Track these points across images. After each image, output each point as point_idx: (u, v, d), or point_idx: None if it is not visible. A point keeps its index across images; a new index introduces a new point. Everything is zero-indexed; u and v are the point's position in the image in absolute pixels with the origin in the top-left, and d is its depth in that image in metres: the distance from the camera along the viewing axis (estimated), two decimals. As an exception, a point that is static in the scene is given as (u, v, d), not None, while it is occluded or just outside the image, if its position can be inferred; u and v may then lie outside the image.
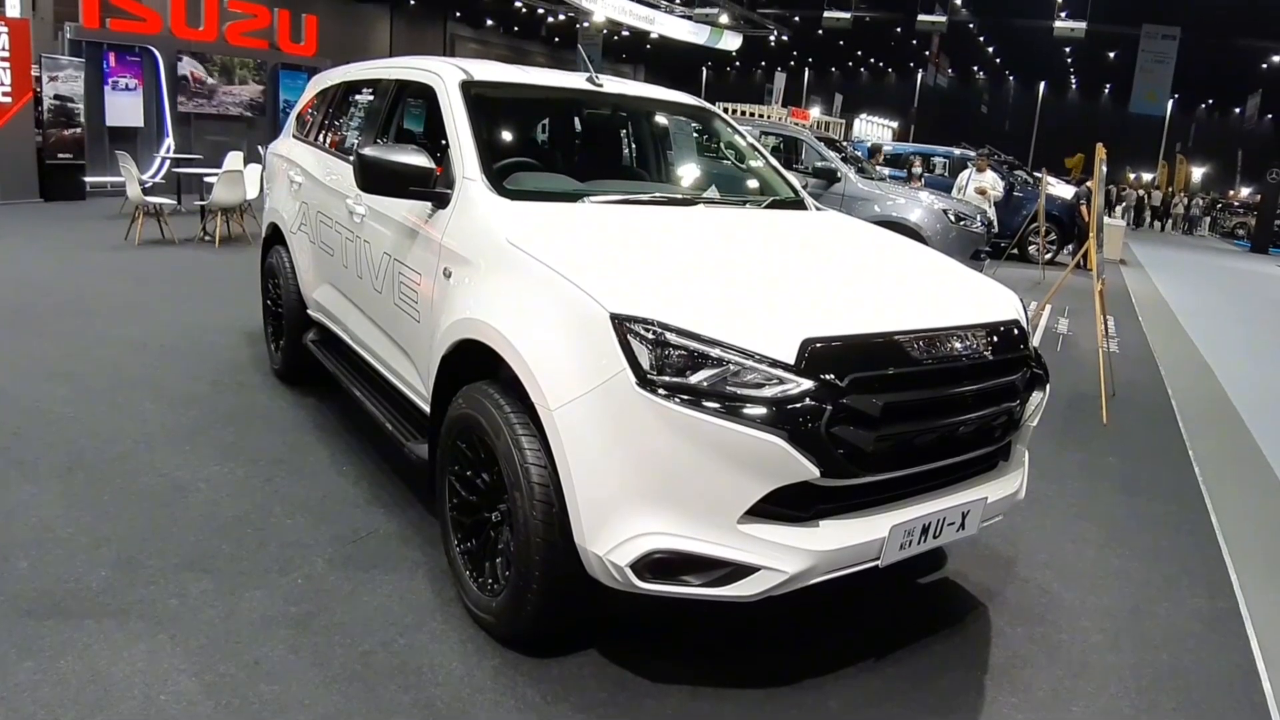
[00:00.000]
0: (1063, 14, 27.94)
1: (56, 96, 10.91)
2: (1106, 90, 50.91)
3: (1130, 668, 2.90)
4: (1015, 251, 13.97)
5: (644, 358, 2.17)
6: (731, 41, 34.12)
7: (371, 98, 4.11)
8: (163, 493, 3.45)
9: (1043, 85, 49.12)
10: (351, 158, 3.84)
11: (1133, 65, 27.46)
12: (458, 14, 41.85)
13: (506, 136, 3.50)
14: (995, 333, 2.64)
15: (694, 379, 2.16)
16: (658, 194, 3.32)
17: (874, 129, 37.93)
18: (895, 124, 43.23)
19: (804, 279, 2.64)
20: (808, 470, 2.18)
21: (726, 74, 53.76)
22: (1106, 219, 18.40)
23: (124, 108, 11.85)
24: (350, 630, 2.66)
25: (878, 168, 13.51)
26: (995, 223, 11.65)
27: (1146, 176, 37.12)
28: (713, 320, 2.21)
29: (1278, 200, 23.13)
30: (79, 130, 11.17)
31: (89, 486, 3.46)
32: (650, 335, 2.17)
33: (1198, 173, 44.19)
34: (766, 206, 3.58)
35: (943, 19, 27.97)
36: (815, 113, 34.58)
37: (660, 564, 2.21)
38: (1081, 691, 2.74)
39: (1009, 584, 3.38)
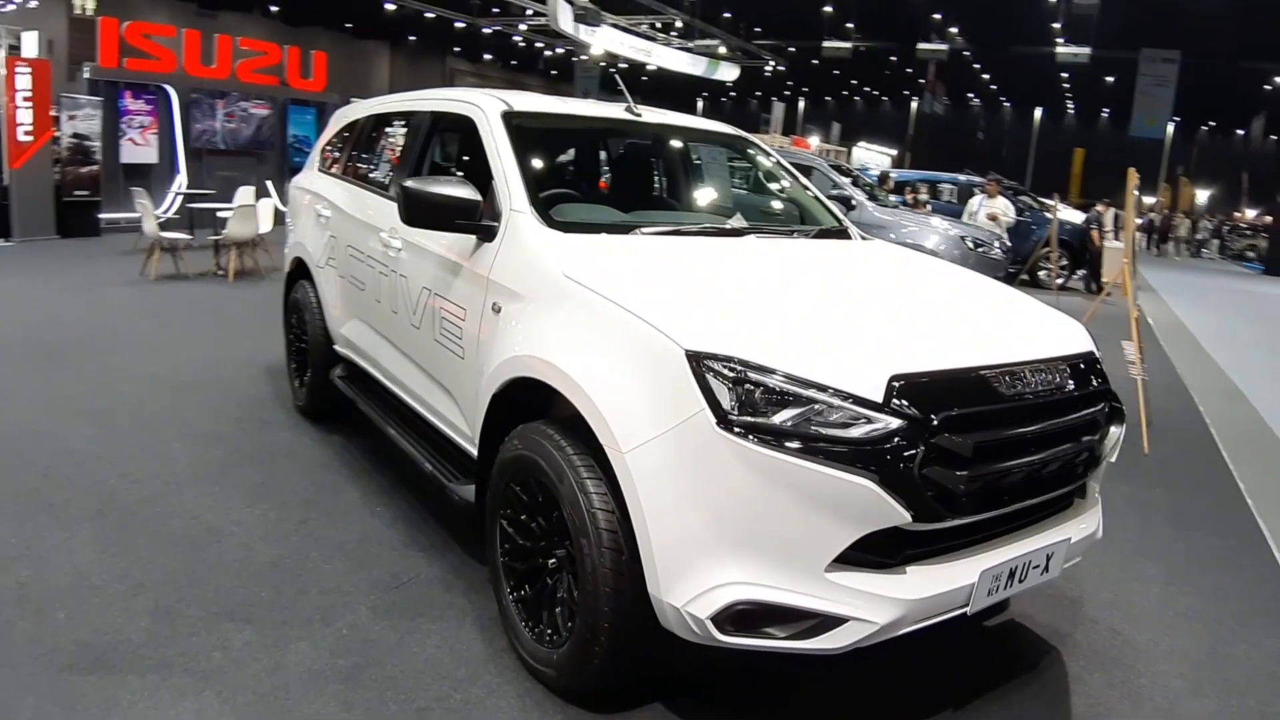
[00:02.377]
0: (1061, 39, 28.15)
1: (74, 135, 10.93)
2: (1105, 114, 51.25)
3: (1216, 715, 2.76)
4: (1026, 277, 13.91)
5: (724, 397, 2.06)
6: (729, 72, 34.32)
7: (404, 130, 4.03)
8: (195, 536, 3.33)
9: (1039, 111, 49.41)
10: (394, 190, 3.79)
11: (1132, 89, 27.58)
12: (456, 49, 42.40)
13: (549, 167, 3.41)
14: (1076, 366, 2.53)
15: (777, 419, 2.05)
16: (707, 224, 3.23)
17: (872, 156, 38.12)
18: (893, 151, 43.46)
19: (878, 312, 2.54)
20: (899, 515, 2.06)
21: (722, 104, 54.16)
22: (1111, 244, 18.41)
23: (138, 145, 11.88)
24: (402, 685, 2.52)
25: (889, 195, 13.48)
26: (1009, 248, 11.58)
27: (1149, 200, 37.24)
28: (795, 357, 2.10)
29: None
30: (95, 168, 11.17)
31: (121, 530, 3.33)
32: (731, 373, 2.06)
33: (1202, 195, 44.29)
34: (815, 236, 3.49)
35: (943, 47, 28.16)
36: (815, 141, 34.72)
37: (743, 616, 2.08)
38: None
39: (1078, 626, 3.24)
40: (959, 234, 9.74)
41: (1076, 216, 16.38)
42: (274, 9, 31.87)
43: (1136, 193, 5.78)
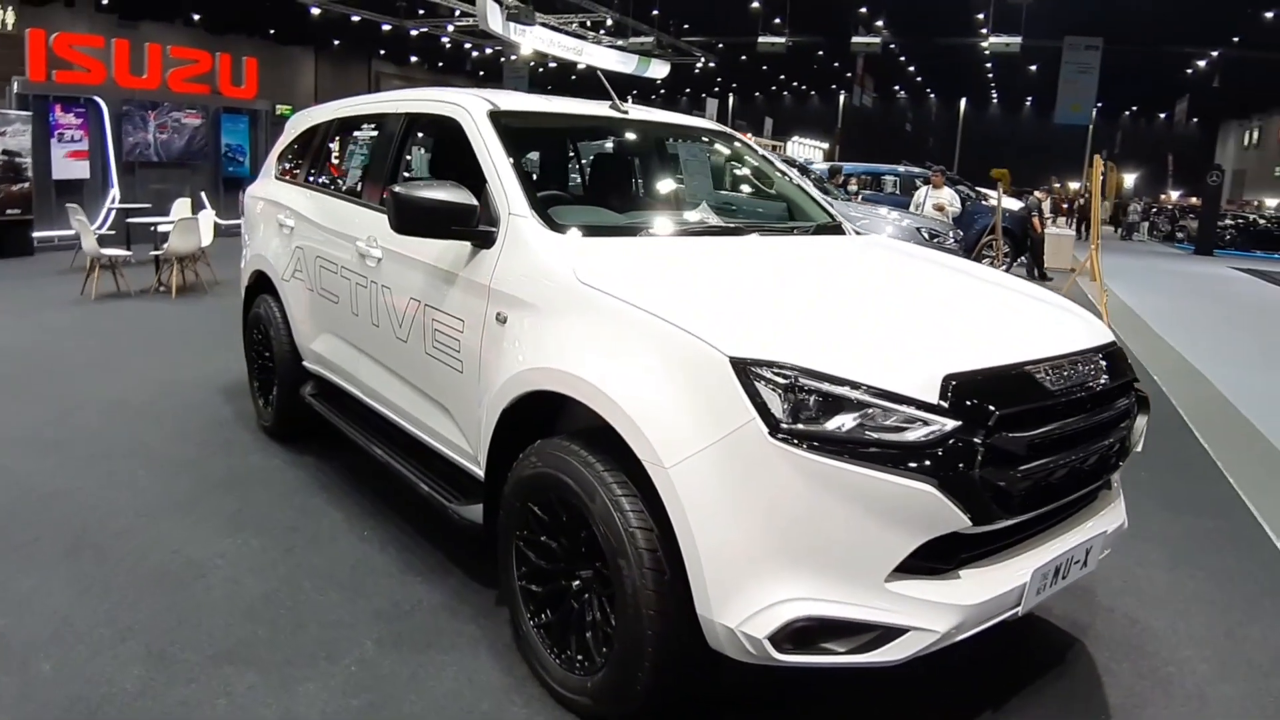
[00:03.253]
0: (983, 30, 28.76)
1: (4, 152, 10.35)
2: (1029, 103, 52.67)
3: (1248, 698, 2.75)
4: (973, 264, 14.08)
5: (775, 405, 1.95)
6: (660, 70, 34.31)
7: (375, 134, 3.83)
8: (178, 572, 3.10)
9: (964, 101, 50.53)
10: (368, 197, 3.60)
11: (1055, 77, 28.31)
12: (381, 51, 41.77)
13: (541, 168, 3.26)
14: (1106, 356, 2.49)
15: (831, 425, 1.94)
16: (711, 224, 3.12)
17: (805, 150, 38.52)
18: (825, 145, 44.05)
19: (911, 309, 2.45)
20: (959, 519, 1.98)
21: (652, 102, 54.20)
22: (1054, 230, 18.88)
23: (70, 160, 11.32)
24: (425, 724, 2.36)
25: (838, 189, 13.57)
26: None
27: (1073, 185, 38.33)
28: (845, 360, 2.00)
29: (1219, 203, 23.96)
30: (27, 185, 10.60)
31: (98, 569, 3.09)
32: (781, 380, 1.95)
33: (1129, 179, 45.81)
34: (813, 233, 3.40)
35: (876, 40, 28.57)
36: (749, 137, 34.92)
37: (801, 633, 1.98)
38: (1212, 732, 2.58)
39: (1095, 615, 3.21)
40: (914, 225, 9.81)
41: (1014, 205, 16.72)
42: (196, 17, 31.06)
43: (1103, 177, 5.85)
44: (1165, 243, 29.03)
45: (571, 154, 3.49)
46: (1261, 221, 28.13)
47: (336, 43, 38.13)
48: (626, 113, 3.51)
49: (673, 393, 2.07)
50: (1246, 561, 3.79)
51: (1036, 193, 16.54)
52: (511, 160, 2.90)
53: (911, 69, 45.69)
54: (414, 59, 43.55)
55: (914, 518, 1.96)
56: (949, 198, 12.18)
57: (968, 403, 2.01)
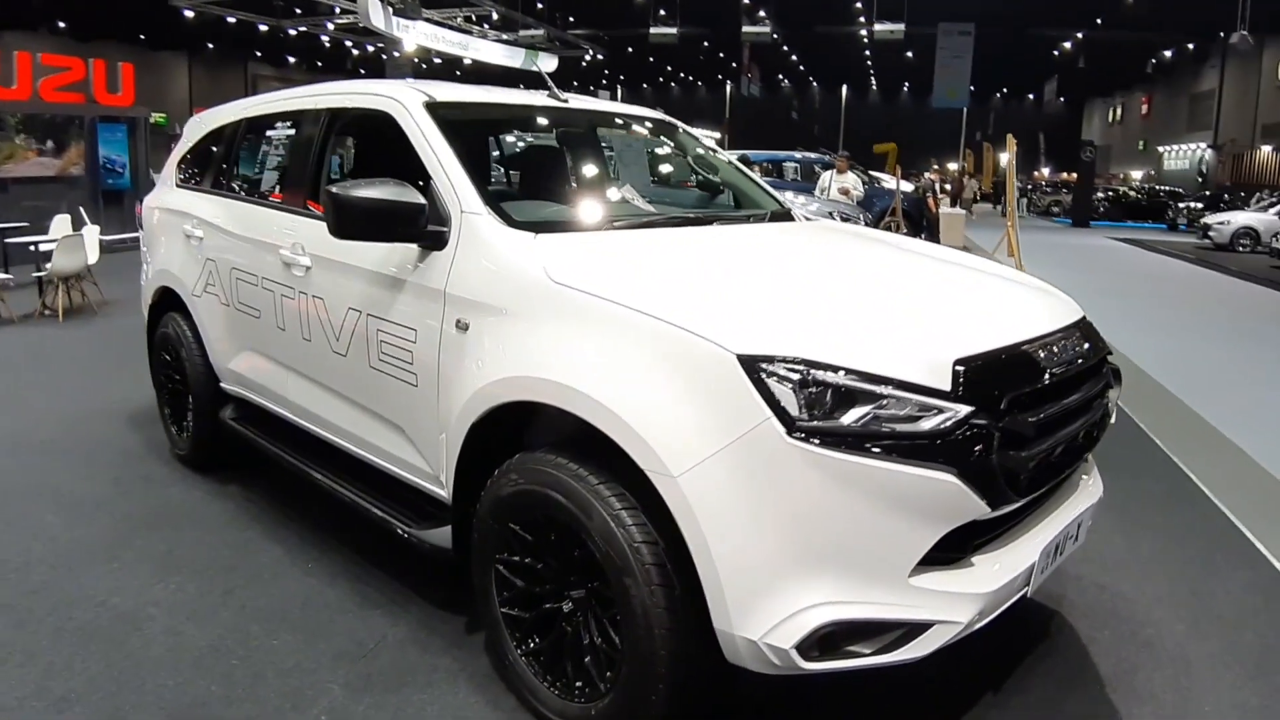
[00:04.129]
0: (863, 19, 29.61)
1: None
2: (906, 88, 54.55)
3: (1227, 653, 2.81)
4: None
5: (789, 402, 1.83)
6: (548, 63, 34.02)
7: (293, 133, 3.55)
8: (110, 628, 2.78)
9: (846, 89, 51.96)
10: (290, 200, 3.34)
11: (930, 62, 29.35)
12: (258, 54, 40.22)
13: (485, 162, 3.06)
14: (1083, 331, 2.48)
15: (847, 420, 1.84)
16: (673, 215, 2.98)
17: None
18: (716, 134, 44.53)
19: (899, 295, 2.36)
20: (979, 506, 1.91)
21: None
22: (947, 209, 19.53)
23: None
24: (415, 774, 2.16)
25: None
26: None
27: (952, 166, 39.86)
28: (856, 351, 1.90)
29: (1093, 177, 25.23)
30: (-111, 207, 9.60)
31: (18, 634, 2.73)
32: (795, 375, 1.84)
33: (1004, 158, 47.92)
34: (769, 220, 3.31)
35: (767, 29, 28.98)
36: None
37: (827, 638, 1.87)
38: (1201, 688, 2.63)
39: (1065, 585, 3.23)
40: (825, 210, 9.92)
41: (907, 187, 17.21)
42: (62, 25, 29.20)
43: (1013, 160, 5.99)
44: (1043, 217, 30.46)
45: (516, 147, 3.30)
46: (1131, 194, 29.85)
47: (211, 46, 36.48)
48: (566, 101, 3.35)
49: (674, 396, 1.93)
50: (1190, 519, 3.91)
51: (929, 174, 17.05)
52: (457, 154, 2.70)
53: (795, 58, 46.68)
54: (292, 60, 42.12)
55: (936, 509, 1.89)
56: (853, 182, 12.40)
57: (978, 387, 1.94)
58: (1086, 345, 2.41)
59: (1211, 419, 5.51)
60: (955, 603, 1.95)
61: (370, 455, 2.99)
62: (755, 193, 3.60)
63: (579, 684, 2.21)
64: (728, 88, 48.49)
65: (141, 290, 4.49)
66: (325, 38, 34.43)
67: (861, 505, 1.84)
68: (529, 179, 2.99)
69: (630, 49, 38.84)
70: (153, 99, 23.65)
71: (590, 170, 3.32)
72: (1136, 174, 42.86)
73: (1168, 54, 38.42)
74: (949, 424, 1.88)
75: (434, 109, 2.88)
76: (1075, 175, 35.76)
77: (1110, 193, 30.75)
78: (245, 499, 3.86)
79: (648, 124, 3.73)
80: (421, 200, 2.52)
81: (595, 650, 2.16)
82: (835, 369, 1.85)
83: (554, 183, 3.16)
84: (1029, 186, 34.77)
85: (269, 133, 3.76)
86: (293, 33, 32.52)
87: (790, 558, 1.86)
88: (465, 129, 2.94)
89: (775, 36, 36.51)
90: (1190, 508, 4.04)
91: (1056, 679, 2.65)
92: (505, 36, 32.45)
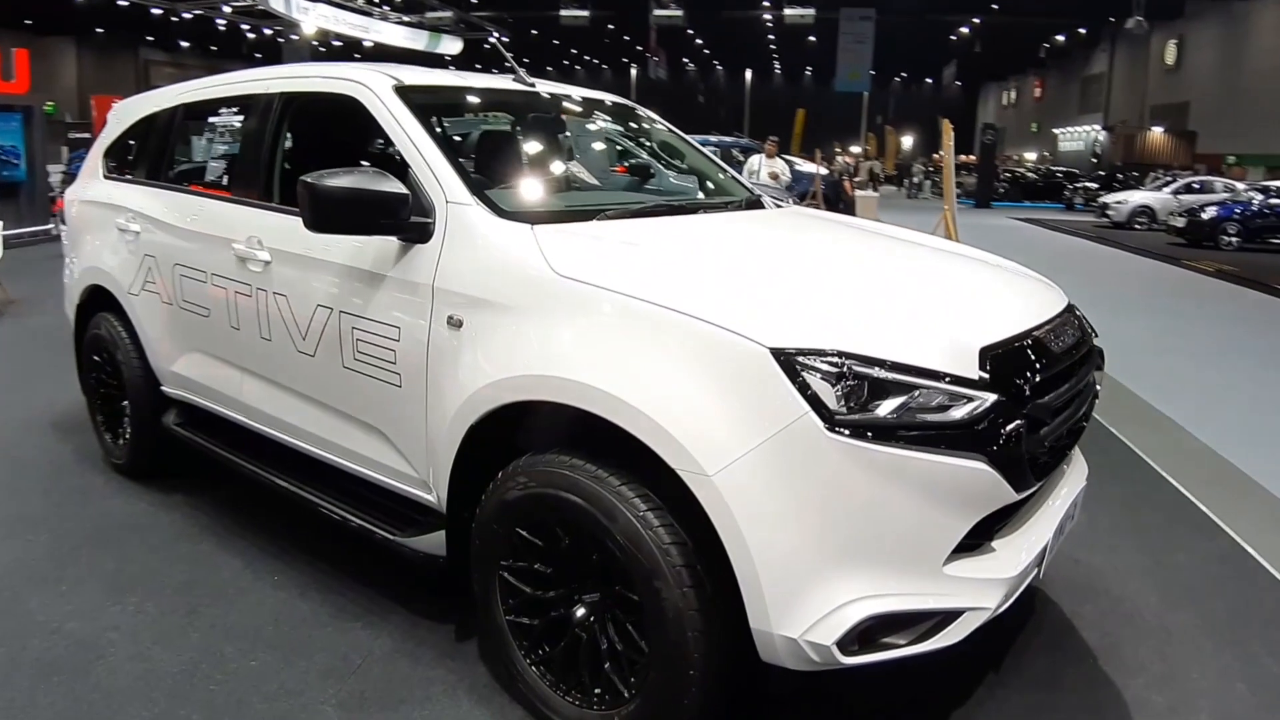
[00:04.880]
0: (766, 3, 29.94)
1: None
2: (809, 72, 55.49)
3: (1203, 621, 2.92)
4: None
5: (828, 395, 1.79)
6: (452, 45, 33.34)
7: (242, 119, 3.32)
8: (69, 658, 2.56)
9: (749, 73, 52.54)
10: (240, 190, 3.14)
11: (833, 47, 29.91)
12: (150, 39, 38.30)
13: (461, 150, 2.92)
14: (1074, 315, 2.52)
15: (882, 412, 1.82)
16: (660, 203, 2.90)
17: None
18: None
19: (912, 284, 2.34)
20: (1008, 492, 1.92)
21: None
22: (861, 193, 19.93)
23: None
24: (431, 797, 2.05)
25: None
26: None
27: (855, 149, 40.82)
28: (888, 342, 1.87)
29: (994, 160, 26.13)
30: None
31: (-37, 672, 2.50)
32: (832, 369, 1.80)
33: (905, 141, 49.20)
34: (745, 208, 3.26)
35: (679, 13, 28.97)
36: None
37: (865, 631, 1.85)
38: (1185, 656, 2.73)
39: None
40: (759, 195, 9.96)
41: (821, 170, 17.45)
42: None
43: (951, 144, 6.11)
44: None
45: (489, 133, 3.15)
46: (1030, 175, 31.09)
47: (100, 31, 34.49)
48: (534, 85, 3.23)
49: (704, 393, 1.86)
50: (1142, 491, 4.06)
51: (845, 158, 17.37)
52: (435, 141, 2.56)
53: (700, 42, 46.93)
54: (185, 44, 40.33)
55: (970, 497, 1.89)
56: (781, 167, 12.54)
57: (1002, 374, 1.95)
58: (1079, 328, 2.45)
59: (1136, 390, 5.75)
60: (984, 588, 1.96)
61: (342, 460, 2.84)
62: (725, 181, 3.55)
63: (598, 690, 2.14)
64: (633, 72, 48.42)
65: (66, 289, 4.17)
66: (221, 22, 33.00)
67: (900, 497, 1.82)
68: (503, 167, 2.87)
69: (535, 31, 38.33)
70: (40, 86, 22.20)
71: (567, 158, 3.21)
72: (1030, 156, 44.71)
73: (1060, 38, 40.08)
74: (979, 412, 1.87)
75: (404, 93, 2.73)
76: (973, 157, 37.04)
77: (1009, 174, 31.97)
78: (193, 509, 3.63)
79: (618, 110, 3.63)
80: (405, 190, 2.39)
81: (616, 655, 2.09)
82: (871, 361, 1.82)
83: (531, 171, 3.04)
84: (931, 169, 35.79)
85: (213, 119, 3.52)
86: (187, 16, 30.98)
87: (829, 553, 1.82)
88: (438, 115, 2.80)
89: (682, 19, 36.68)
90: (1141, 481, 4.20)
91: (1051, 655, 2.70)
92: (408, 19, 31.65)
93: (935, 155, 44.15)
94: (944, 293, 2.30)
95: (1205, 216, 17.14)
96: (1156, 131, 34.11)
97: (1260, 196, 17.44)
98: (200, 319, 3.31)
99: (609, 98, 3.64)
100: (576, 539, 2.09)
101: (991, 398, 1.89)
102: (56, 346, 5.56)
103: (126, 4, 27.01)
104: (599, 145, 3.76)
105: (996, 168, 30.27)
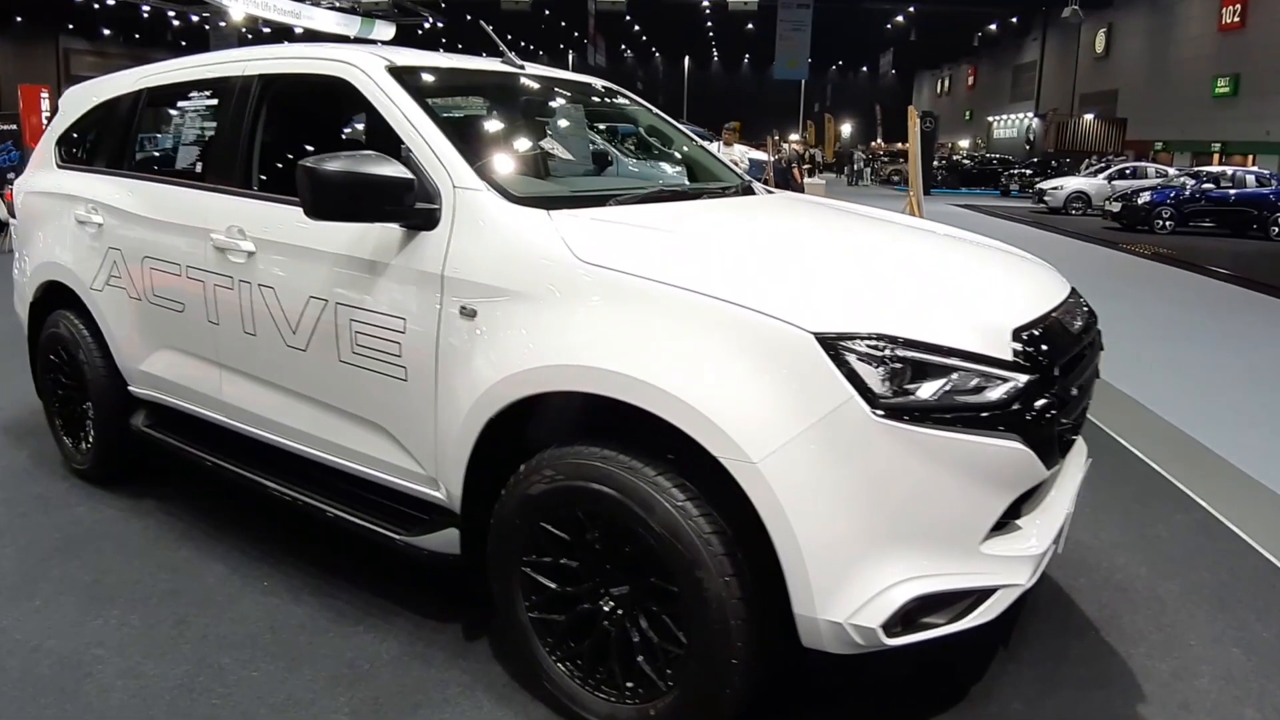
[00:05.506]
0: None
1: None
2: (746, 60, 55.83)
3: (1192, 590, 3.01)
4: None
5: (872, 379, 1.78)
6: (385, 31, 32.77)
7: (214, 103, 3.17)
8: (54, 677, 2.42)
9: (688, 60, 52.66)
10: (215, 178, 3.00)
11: (769, 35, 30.12)
12: (70, 26, 36.83)
13: (466, 133, 2.83)
14: (1079, 297, 2.56)
15: (924, 394, 1.81)
16: (664, 188, 2.86)
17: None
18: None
19: (934, 268, 2.34)
20: (1041, 471, 1.94)
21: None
22: (810, 180, 20.11)
23: None
24: (465, 802, 1.99)
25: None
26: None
27: (794, 137, 41.29)
28: (928, 325, 1.87)
29: (934, 147, 26.61)
30: None
31: (-62, 698, 2.34)
32: (876, 352, 1.78)
33: (844, 129, 49.86)
34: (740, 193, 3.23)
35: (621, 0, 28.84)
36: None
37: (909, 612, 1.85)
38: (1182, 624, 2.81)
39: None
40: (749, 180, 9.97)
41: (770, 158, 17.57)
42: None
43: (918, 132, 6.19)
44: (885, 185, 31.99)
45: (482, 116, 3.06)
46: (967, 163, 31.78)
47: (19, 19, 33.04)
48: (523, 68, 3.15)
49: (745, 380, 1.83)
50: (1116, 467, 4.16)
51: (794, 145, 17.50)
52: (437, 124, 2.47)
53: (638, 28, 46.84)
54: (107, 32, 38.94)
55: (1007, 476, 1.91)
56: (740, 154, 12.56)
57: (1033, 354, 1.96)
58: (1087, 310, 2.49)
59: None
60: (1016, 565, 1.98)
61: (337, 459, 2.74)
62: (714, 166, 3.52)
63: (630, 684, 2.10)
64: (570, 57, 48.12)
65: (16, 285, 3.95)
66: (146, 8, 31.87)
67: (943, 478, 1.82)
68: (504, 152, 2.79)
69: (469, 16, 37.73)
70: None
71: (564, 142, 3.14)
72: (964, 143, 45.69)
73: (992, 27, 40.96)
74: (1014, 393, 1.88)
75: (399, 74, 2.63)
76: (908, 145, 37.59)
77: (946, 161, 32.63)
78: (166, 514, 3.47)
79: (603, 94, 3.57)
80: (410, 175, 2.30)
81: (649, 647, 2.06)
82: (913, 344, 1.82)
83: (534, 156, 2.97)
84: (870, 157, 36.36)
85: (182, 104, 3.35)
86: (110, 3, 29.79)
87: (874, 536, 1.82)
88: (434, 97, 2.70)
89: (620, 5, 36.54)
90: (1111, 456, 4.31)
91: (1055, 628, 2.76)
92: (340, 4, 30.98)
93: (874, 143, 44.94)
94: (965, 275, 2.31)
95: (1140, 202, 17.74)
96: (1088, 119, 35.13)
97: (1192, 182, 18.11)
98: (173, 314, 3.16)
99: (598, 82, 3.58)
100: (607, 531, 2.05)
101: (1025, 378, 1.91)
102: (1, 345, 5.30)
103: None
104: (593, 129, 3.69)
105: (934, 155, 30.86)
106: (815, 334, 1.79)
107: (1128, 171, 22.02)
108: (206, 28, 32.57)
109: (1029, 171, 27.84)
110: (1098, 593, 2.98)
